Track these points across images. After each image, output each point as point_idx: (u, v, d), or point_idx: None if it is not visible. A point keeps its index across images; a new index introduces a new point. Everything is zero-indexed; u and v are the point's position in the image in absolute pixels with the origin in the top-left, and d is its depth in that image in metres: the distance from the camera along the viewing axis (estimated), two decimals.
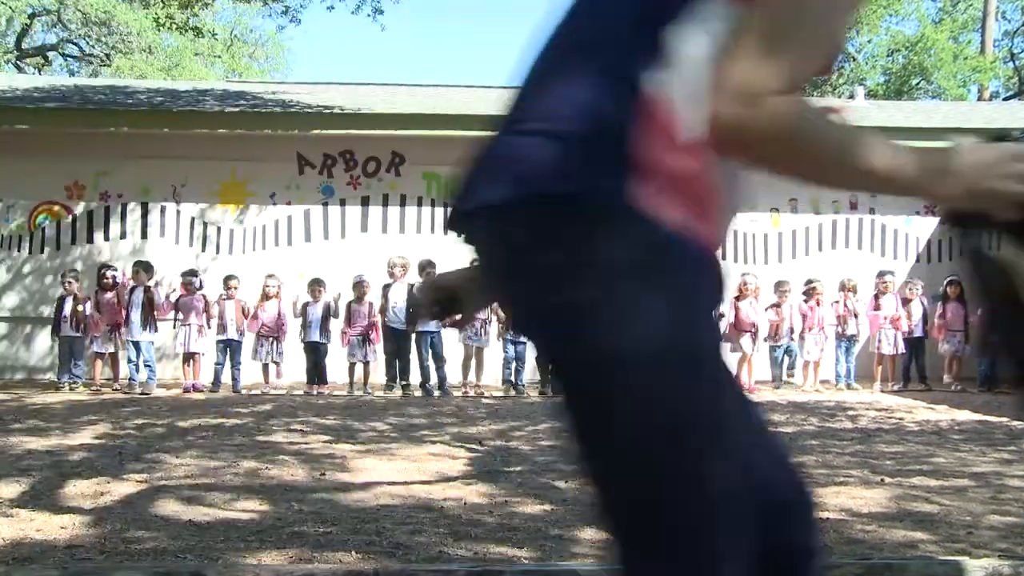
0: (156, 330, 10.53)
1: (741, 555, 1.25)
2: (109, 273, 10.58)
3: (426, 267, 10.54)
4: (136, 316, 10.34)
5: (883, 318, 11.44)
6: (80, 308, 10.56)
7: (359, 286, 10.58)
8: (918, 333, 11.49)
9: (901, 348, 11.52)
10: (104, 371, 10.72)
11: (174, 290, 10.73)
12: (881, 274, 11.68)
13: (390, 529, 4.38)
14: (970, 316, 11.46)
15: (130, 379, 10.37)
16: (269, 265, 11.28)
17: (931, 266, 12.46)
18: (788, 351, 11.28)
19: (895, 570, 3.81)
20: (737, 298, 11.10)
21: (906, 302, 11.53)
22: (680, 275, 1.22)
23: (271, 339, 10.58)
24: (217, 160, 11.75)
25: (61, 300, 10.62)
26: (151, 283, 10.67)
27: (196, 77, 24.22)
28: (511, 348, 10.58)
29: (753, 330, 11.02)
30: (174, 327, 10.51)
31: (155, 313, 10.48)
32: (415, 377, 10.54)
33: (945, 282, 11.69)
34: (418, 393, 10.31)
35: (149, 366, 10.39)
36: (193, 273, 10.66)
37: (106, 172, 11.63)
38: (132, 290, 10.48)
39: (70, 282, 10.60)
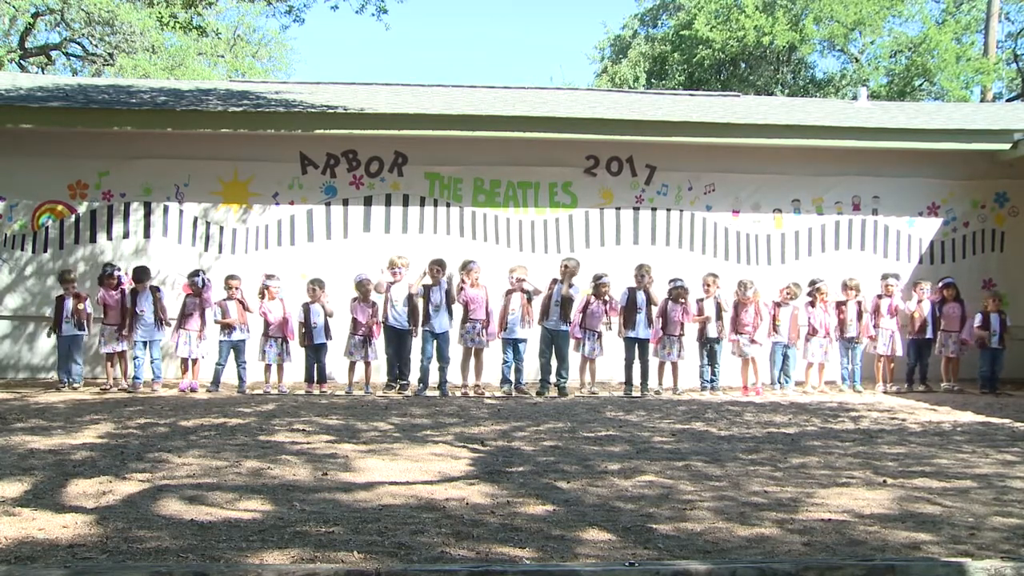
0: (163, 327, 10.55)
1: None
2: (114, 272, 10.57)
3: (434, 266, 10.54)
4: (148, 317, 10.39)
5: (891, 317, 11.40)
6: (81, 307, 10.57)
7: (361, 285, 10.58)
8: (927, 335, 11.46)
9: (899, 350, 11.48)
10: (111, 370, 10.68)
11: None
12: (884, 277, 11.64)
13: (392, 529, 4.38)
14: (967, 317, 11.44)
15: (135, 378, 10.38)
16: (272, 265, 11.29)
17: (934, 267, 12.43)
18: (785, 355, 11.22)
19: (898, 571, 3.82)
20: (736, 300, 11.06)
21: (916, 303, 11.48)
22: None
23: (279, 339, 10.58)
24: (220, 160, 11.76)
25: (61, 300, 10.62)
26: (155, 284, 10.72)
27: (199, 77, 24.22)
28: (510, 349, 10.59)
29: (753, 331, 10.98)
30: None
31: (164, 314, 10.55)
32: (414, 377, 10.54)
33: (940, 284, 11.66)
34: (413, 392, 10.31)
35: (155, 363, 10.44)
36: (195, 273, 10.67)
37: (109, 171, 11.63)
38: (135, 292, 10.49)
39: (68, 283, 10.60)
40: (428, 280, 10.50)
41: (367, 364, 10.64)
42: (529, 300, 10.63)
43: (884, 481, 5.70)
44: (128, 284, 10.79)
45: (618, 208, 12.14)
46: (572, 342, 10.73)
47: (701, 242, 12.24)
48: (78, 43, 25.81)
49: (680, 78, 29.72)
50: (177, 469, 5.74)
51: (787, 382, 11.18)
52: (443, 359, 10.45)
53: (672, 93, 18.40)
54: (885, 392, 11.17)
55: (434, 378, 10.46)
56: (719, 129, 11.97)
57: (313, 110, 11.58)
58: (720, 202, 12.28)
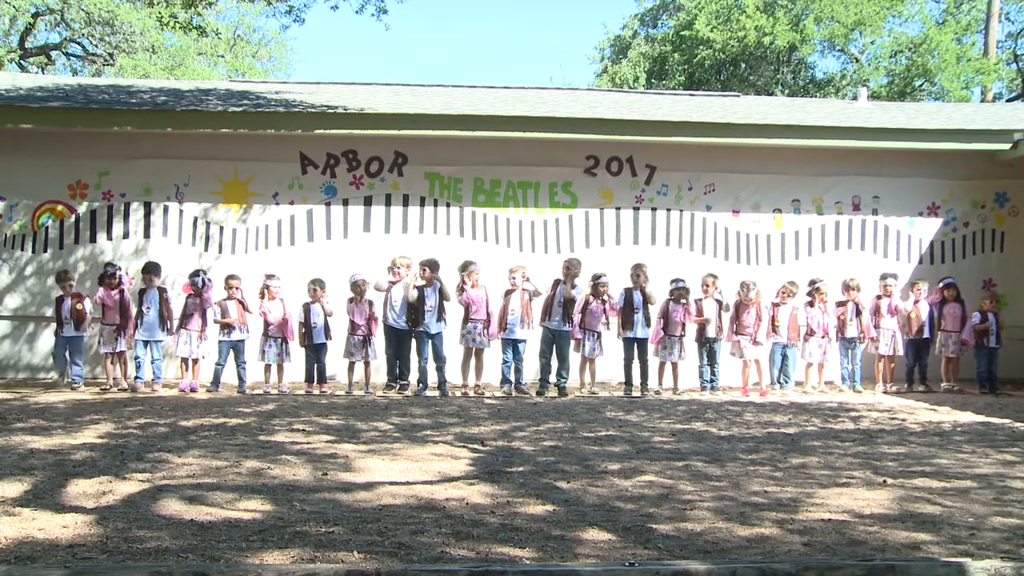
0: (166, 330, 10.56)
1: None
2: (115, 272, 10.58)
3: (424, 267, 10.51)
4: (152, 316, 10.41)
5: (890, 316, 11.40)
6: (80, 307, 10.56)
7: (356, 286, 10.57)
8: (925, 335, 11.46)
9: (899, 350, 11.48)
10: (111, 370, 10.68)
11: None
12: (883, 276, 11.64)
13: (392, 529, 4.38)
14: (968, 317, 11.44)
15: (136, 378, 10.38)
16: (272, 265, 11.29)
17: (934, 267, 12.43)
18: (784, 355, 11.19)
19: (898, 571, 3.81)
20: (738, 300, 11.05)
21: (913, 303, 11.48)
22: None
23: (279, 339, 10.58)
24: (220, 160, 11.76)
25: (60, 301, 10.62)
26: (162, 284, 10.76)
27: (199, 77, 24.22)
28: (510, 349, 10.58)
29: (754, 331, 10.97)
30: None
31: (169, 313, 10.56)
32: (414, 377, 10.54)
33: (940, 284, 11.66)
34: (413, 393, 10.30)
35: (156, 363, 10.45)
36: (196, 273, 10.67)
37: (109, 171, 11.63)
38: (143, 291, 10.52)
39: (65, 282, 10.61)
40: (420, 281, 10.49)
41: (367, 364, 10.65)
42: (530, 300, 10.63)
43: (884, 481, 5.70)
44: (129, 284, 10.81)
45: (618, 208, 12.14)
46: (572, 342, 10.73)
47: (701, 242, 12.24)
48: (78, 43, 25.81)
49: (680, 78, 29.72)
50: (177, 469, 5.74)
51: (787, 382, 11.17)
52: (439, 359, 10.45)
53: (672, 93, 18.40)
54: (885, 392, 11.17)
55: (433, 378, 10.46)
56: (719, 129, 11.97)
57: (313, 110, 11.58)
58: (720, 202, 12.27)
